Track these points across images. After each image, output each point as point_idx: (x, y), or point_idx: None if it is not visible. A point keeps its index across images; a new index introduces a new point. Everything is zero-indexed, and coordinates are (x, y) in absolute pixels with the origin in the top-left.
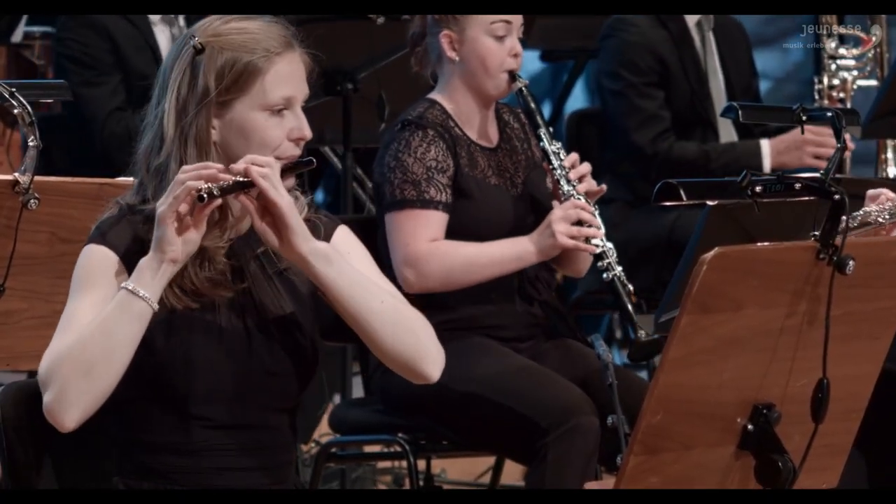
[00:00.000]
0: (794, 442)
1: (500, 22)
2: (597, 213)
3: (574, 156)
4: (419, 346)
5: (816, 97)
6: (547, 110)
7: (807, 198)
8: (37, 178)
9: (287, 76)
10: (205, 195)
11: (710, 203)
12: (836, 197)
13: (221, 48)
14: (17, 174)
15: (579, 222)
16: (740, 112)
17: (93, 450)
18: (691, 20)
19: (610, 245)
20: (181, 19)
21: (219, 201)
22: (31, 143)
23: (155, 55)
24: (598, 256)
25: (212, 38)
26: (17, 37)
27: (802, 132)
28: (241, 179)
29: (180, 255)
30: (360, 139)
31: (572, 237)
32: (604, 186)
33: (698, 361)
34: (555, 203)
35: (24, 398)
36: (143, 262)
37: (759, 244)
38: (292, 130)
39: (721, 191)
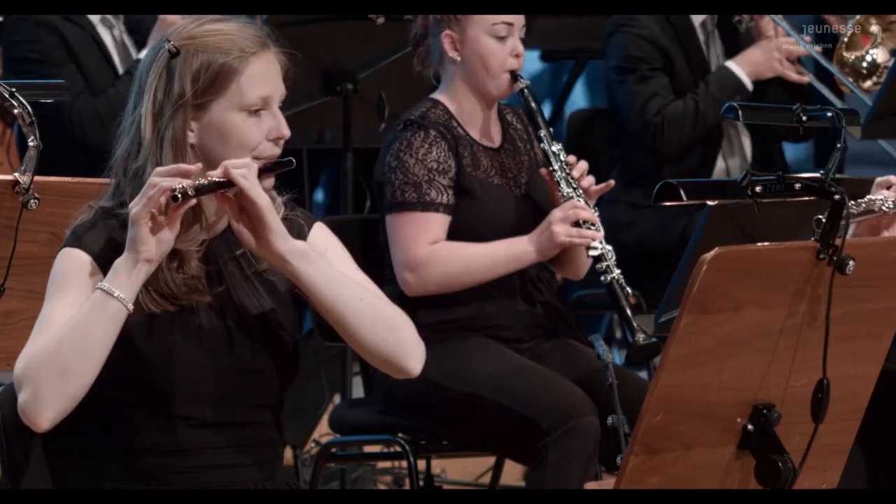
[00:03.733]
0: (794, 442)
1: (501, 23)
2: (596, 213)
3: (573, 158)
4: (399, 342)
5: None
6: (547, 110)
7: (807, 198)
8: (37, 178)
9: (263, 76)
10: (179, 195)
11: (710, 203)
12: (836, 197)
13: (196, 50)
14: (17, 174)
15: (578, 223)
16: (740, 112)
17: (91, 450)
18: (696, 20)
19: (609, 247)
20: (121, 24)
21: (193, 201)
22: (31, 143)
23: (103, 52)
24: (598, 258)
25: (186, 41)
26: None
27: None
28: (218, 179)
29: (154, 255)
30: (360, 139)
31: (571, 237)
32: (611, 182)
33: (698, 362)
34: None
35: None
36: (118, 262)
37: (759, 244)
38: (271, 130)
39: (721, 191)
